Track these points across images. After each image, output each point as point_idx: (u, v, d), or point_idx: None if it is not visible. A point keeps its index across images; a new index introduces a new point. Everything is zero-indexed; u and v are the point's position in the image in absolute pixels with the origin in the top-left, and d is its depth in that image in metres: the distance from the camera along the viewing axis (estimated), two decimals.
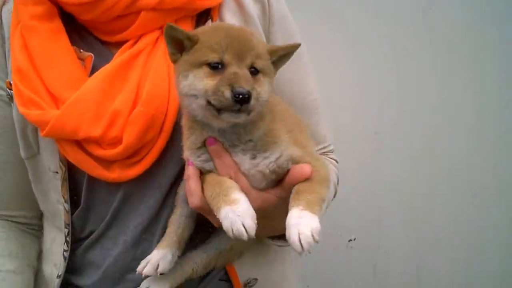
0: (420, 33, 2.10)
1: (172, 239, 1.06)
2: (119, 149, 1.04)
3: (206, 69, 0.90)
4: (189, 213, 1.07)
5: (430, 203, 2.20)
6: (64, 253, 1.16)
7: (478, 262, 2.24)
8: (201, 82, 0.90)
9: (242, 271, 1.16)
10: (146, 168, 1.07)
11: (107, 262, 1.13)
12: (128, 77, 1.07)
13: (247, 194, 0.93)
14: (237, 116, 0.88)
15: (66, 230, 1.15)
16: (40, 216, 1.29)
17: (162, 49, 1.10)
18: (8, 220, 1.26)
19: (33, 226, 1.30)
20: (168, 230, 1.08)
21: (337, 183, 1.31)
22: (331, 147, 1.32)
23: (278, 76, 1.22)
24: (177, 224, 1.07)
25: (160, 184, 1.10)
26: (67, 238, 1.15)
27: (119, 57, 1.08)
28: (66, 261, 1.16)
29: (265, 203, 0.95)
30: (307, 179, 0.92)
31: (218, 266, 1.14)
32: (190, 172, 0.98)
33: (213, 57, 0.90)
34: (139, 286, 1.07)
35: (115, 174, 1.07)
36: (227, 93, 0.85)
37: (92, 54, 1.11)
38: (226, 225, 0.85)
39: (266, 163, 0.95)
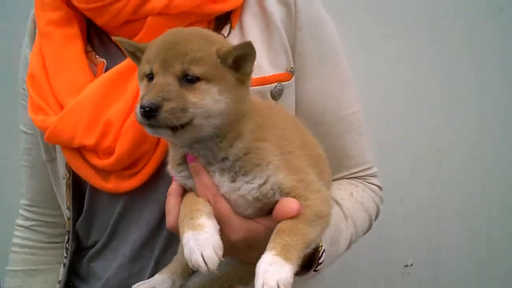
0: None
1: (176, 267, 0.99)
2: (111, 159, 1.00)
3: (145, 82, 0.84)
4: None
5: (497, 225, 1.97)
6: (64, 259, 1.16)
7: None
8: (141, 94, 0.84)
9: None
10: (143, 181, 1.03)
11: (107, 274, 1.11)
12: (128, 84, 1.03)
13: (227, 221, 0.85)
14: (154, 131, 0.80)
15: (66, 237, 1.15)
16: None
17: None
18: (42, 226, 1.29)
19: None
20: (175, 257, 1.01)
21: (376, 215, 1.18)
22: (372, 170, 1.19)
23: (309, 85, 1.12)
24: (181, 252, 0.98)
25: (159, 199, 1.05)
26: (67, 245, 1.15)
27: (120, 64, 1.06)
28: (66, 267, 1.16)
29: (250, 233, 0.86)
30: (294, 217, 0.81)
31: None
32: (172, 188, 0.92)
33: (146, 68, 0.84)
34: None
35: (111, 185, 1.04)
36: (137, 107, 0.78)
37: (104, 61, 1.10)
38: (185, 252, 0.77)
39: (247, 188, 0.84)
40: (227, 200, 0.86)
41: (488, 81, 1.91)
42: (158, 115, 0.76)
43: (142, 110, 0.76)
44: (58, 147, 1.12)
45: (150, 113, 0.76)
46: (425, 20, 1.90)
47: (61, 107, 1.06)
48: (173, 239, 1.05)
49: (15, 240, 1.31)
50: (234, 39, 1.08)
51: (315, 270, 0.95)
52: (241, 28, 1.10)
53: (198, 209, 0.83)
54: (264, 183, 0.84)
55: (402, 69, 1.92)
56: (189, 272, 1.00)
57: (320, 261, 0.94)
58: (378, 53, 1.92)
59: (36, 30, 1.18)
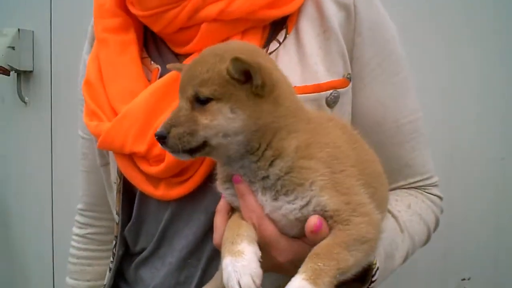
0: None
1: (217, 285, 0.96)
2: (161, 167, 1.00)
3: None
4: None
5: None
6: (110, 264, 1.18)
7: None
8: None
9: None
10: (191, 189, 1.02)
11: (154, 282, 1.10)
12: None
13: (274, 243, 0.83)
14: (175, 155, 0.85)
15: (114, 242, 1.17)
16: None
17: None
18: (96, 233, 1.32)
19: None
20: (217, 274, 0.99)
21: (435, 227, 1.14)
22: (433, 180, 1.14)
23: (367, 93, 1.08)
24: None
25: (206, 209, 1.04)
26: (114, 250, 1.17)
27: (173, 71, 1.04)
28: (112, 272, 1.17)
29: (298, 255, 0.82)
30: (331, 237, 0.79)
31: None
32: (220, 205, 0.91)
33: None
34: None
35: (160, 192, 1.04)
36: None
37: (159, 67, 1.09)
38: (223, 277, 0.76)
39: (289, 208, 0.82)
40: (272, 220, 0.84)
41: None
42: (167, 141, 0.81)
43: (156, 136, 0.83)
44: (111, 152, 1.13)
45: (160, 140, 0.82)
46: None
47: (115, 113, 1.07)
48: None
49: (72, 251, 1.35)
50: (290, 45, 1.06)
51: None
52: (297, 33, 1.06)
53: (240, 234, 0.81)
54: (306, 204, 0.81)
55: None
56: None
57: (373, 279, 0.91)
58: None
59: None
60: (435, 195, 1.14)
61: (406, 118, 1.10)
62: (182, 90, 0.84)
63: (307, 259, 0.76)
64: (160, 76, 1.08)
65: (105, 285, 1.19)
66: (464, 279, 1.93)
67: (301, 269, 0.74)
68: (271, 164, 0.82)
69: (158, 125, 0.97)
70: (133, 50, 1.11)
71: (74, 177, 1.40)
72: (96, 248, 1.33)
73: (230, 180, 0.88)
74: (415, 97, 1.13)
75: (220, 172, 0.91)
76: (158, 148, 0.99)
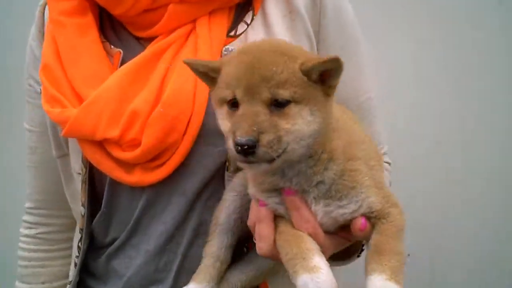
0: None
1: (210, 273, 0.96)
2: (137, 151, 0.97)
3: (226, 108, 0.79)
4: (230, 244, 0.98)
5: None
6: (76, 259, 1.12)
7: None
8: (223, 123, 0.80)
9: None
10: (169, 173, 0.99)
11: (129, 271, 1.06)
12: (151, 74, 1.00)
13: (322, 245, 0.83)
14: (251, 167, 0.76)
15: (79, 235, 1.11)
16: (70, 218, 1.26)
17: (192, 44, 1.02)
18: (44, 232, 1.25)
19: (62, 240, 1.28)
20: (206, 262, 0.98)
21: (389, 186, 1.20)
22: (384, 149, 1.20)
23: None
24: (215, 257, 0.97)
25: (186, 191, 1.02)
26: (79, 244, 1.11)
27: (143, 53, 1.02)
28: (78, 267, 1.12)
29: (336, 247, 0.88)
30: (380, 232, 0.82)
31: (252, 285, 1.03)
32: (263, 214, 0.87)
33: (227, 94, 0.78)
34: None
35: (135, 178, 1.00)
36: (230, 143, 0.74)
37: (120, 50, 1.05)
38: None
39: (340, 212, 0.83)
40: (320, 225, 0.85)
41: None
42: (257, 151, 0.72)
43: (239, 147, 0.72)
44: (72, 141, 1.08)
45: (247, 150, 0.72)
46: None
47: (80, 98, 1.02)
48: (200, 232, 1.03)
49: (21, 253, 1.26)
50: (257, 25, 1.07)
51: (358, 256, 0.99)
52: (264, 14, 1.08)
53: (309, 249, 0.80)
54: (359, 208, 0.83)
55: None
56: (222, 275, 0.98)
57: (364, 247, 0.96)
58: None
59: (45, 22, 1.13)
60: (386, 162, 1.20)
61: (364, 95, 1.14)
62: (252, 91, 0.75)
63: (375, 255, 0.79)
64: (123, 60, 1.04)
65: (70, 281, 1.13)
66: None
67: (376, 267, 0.77)
68: (326, 168, 0.81)
69: (134, 108, 0.95)
70: (93, 33, 1.06)
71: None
72: (49, 248, 1.25)
73: (274, 189, 0.85)
74: (372, 76, 1.18)
75: (258, 179, 0.87)
76: (133, 132, 0.96)
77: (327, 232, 0.86)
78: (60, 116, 1.00)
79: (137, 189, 1.03)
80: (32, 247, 1.25)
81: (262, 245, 0.86)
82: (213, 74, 0.83)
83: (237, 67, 0.77)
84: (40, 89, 1.11)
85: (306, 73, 0.76)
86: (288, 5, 1.07)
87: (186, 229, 1.03)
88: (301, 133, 0.76)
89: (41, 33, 1.14)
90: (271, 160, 0.75)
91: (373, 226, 0.84)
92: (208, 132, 0.99)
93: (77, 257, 1.11)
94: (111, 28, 1.10)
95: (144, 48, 1.06)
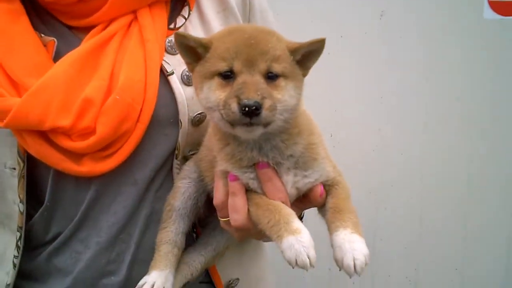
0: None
1: (170, 260, 0.99)
2: (91, 140, 0.95)
3: (217, 80, 0.84)
4: (185, 230, 1.02)
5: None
6: (14, 259, 1.05)
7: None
8: (213, 94, 0.84)
9: (223, 271, 1.11)
10: (120, 162, 0.99)
11: (77, 267, 1.03)
12: (99, 63, 0.99)
13: None
14: (249, 130, 0.82)
15: (18, 234, 1.04)
16: None
17: (136, 34, 1.03)
18: None
19: None
20: (164, 249, 1.00)
21: None
22: None
23: None
24: (173, 243, 1.01)
25: (136, 180, 1.02)
26: (18, 243, 1.05)
27: (89, 41, 1.00)
28: (16, 268, 1.05)
29: None
30: (335, 196, 0.92)
31: (208, 267, 1.08)
32: (236, 188, 0.91)
33: (223, 66, 0.84)
34: None
35: (85, 168, 0.98)
36: (234, 106, 0.79)
37: (54, 39, 1.02)
38: (289, 255, 0.81)
39: (305, 182, 0.92)
40: None
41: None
42: (261, 114, 0.78)
43: (246, 109, 0.77)
44: (1, 134, 1.01)
45: (254, 112, 0.77)
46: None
47: (17, 87, 0.97)
48: (153, 221, 1.04)
49: None
50: (195, 20, 1.11)
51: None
52: (199, 10, 1.13)
53: (289, 213, 0.86)
54: (319, 177, 0.91)
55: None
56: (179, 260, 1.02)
57: (302, 220, 1.06)
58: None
59: None
60: None
61: None
62: (252, 62, 0.82)
63: (335, 214, 0.88)
64: (57, 49, 1.01)
65: (8, 284, 1.06)
66: None
67: (339, 224, 0.86)
68: (295, 142, 0.89)
69: (86, 96, 0.94)
70: (25, 20, 1.02)
71: None
72: None
73: (248, 165, 0.90)
74: None
75: (227, 153, 0.91)
76: (86, 120, 0.94)
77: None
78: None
79: (83, 181, 1.01)
80: None
81: (237, 217, 0.91)
82: (201, 50, 0.86)
83: (234, 42, 0.83)
84: None
85: (292, 52, 0.84)
86: (222, 3, 1.14)
87: (138, 219, 1.04)
88: (288, 104, 0.84)
89: None
90: (266, 124, 0.81)
91: (327, 192, 0.93)
92: (158, 121, 1.01)
93: (15, 257, 1.04)
94: (36, 16, 1.06)
95: (77, 37, 1.04)
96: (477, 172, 2.22)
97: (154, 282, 0.96)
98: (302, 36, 0.94)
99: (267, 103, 0.79)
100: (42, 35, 1.03)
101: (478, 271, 2.27)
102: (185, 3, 1.11)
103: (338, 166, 0.99)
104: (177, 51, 1.00)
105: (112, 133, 0.95)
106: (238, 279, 1.14)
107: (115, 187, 1.02)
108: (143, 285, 0.96)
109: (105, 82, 0.97)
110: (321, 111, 2.02)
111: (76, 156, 0.98)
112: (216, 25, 1.12)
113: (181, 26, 1.09)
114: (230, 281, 1.12)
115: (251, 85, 0.79)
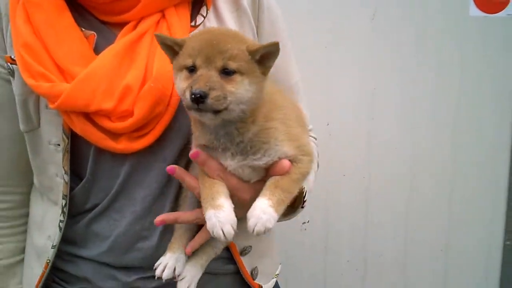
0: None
1: (183, 242, 1.16)
2: (129, 122, 1.09)
3: (185, 73, 0.99)
4: None
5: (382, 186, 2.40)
6: (60, 223, 1.19)
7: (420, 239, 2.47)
8: (180, 84, 0.99)
9: (238, 241, 1.27)
10: (152, 141, 1.13)
11: (114, 233, 1.17)
12: (136, 55, 1.13)
13: (239, 187, 1.06)
14: (201, 115, 0.96)
15: (64, 202, 1.18)
16: (25, 194, 1.33)
17: (165, 31, 1.17)
18: None
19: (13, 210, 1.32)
20: (178, 233, 1.17)
21: (318, 157, 1.43)
22: (311, 126, 1.43)
23: None
24: (185, 227, 1.17)
25: (166, 158, 1.16)
26: (64, 209, 1.19)
27: (126, 36, 1.14)
28: (62, 231, 1.19)
29: (257, 192, 1.04)
30: (287, 173, 1.04)
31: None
32: (204, 156, 1.07)
33: (188, 62, 0.98)
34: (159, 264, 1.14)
35: (122, 146, 1.12)
36: (187, 93, 0.94)
37: (94, 33, 1.16)
38: (208, 226, 0.97)
39: (255, 164, 1.05)
40: (236, 174, 1.06)
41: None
42: (206, 101, 0.92)
43: (193, 96, 0.92)
44: (47, 114, 1.15)
45: (199, 99, 0.92)
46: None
47: (64, 74, 1.10)
48: (181, 192, 1.18)
49: None
50: (212, 18, 1.25)
51: (302, 207, 1.19)
52: (216, 9, 1.26)
53: (218, 191, 1.02)
54: (272, 158, 1.04)
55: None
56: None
57: (305, 199, 1.18)
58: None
59: (1, 3, 1.18)
60: (313, 137, 1.45)
61: (293, 79, 1.38)
62: (209, 60, 0.96)
63: (270, 188, 1.01)
64: (96, 43, 1.15)
65: (54, 246, 1.20)
66: (304, 223, 2.38)
67: (266, 195, 0.99)
68: (248, 129, 1.03)
69: (126, 83, 1.09)
70: (68, 14, 1.15)
71: None
72: (3, 225, 1.30)
73: (206, 147, 1.07)
74: (295, 64, 1.42)
75: (195, 138, 1.08)
76: (125, 104, 1.09)
77: (248, 180, 1.08)
78: (51, 90, 1.07)
79: (120, 157, 1.15)
80: None
81: (194, 190, 1.11)
82: (177, 48, 1.02)
83: (199, 42, 0.99)
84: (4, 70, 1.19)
85: (251, 53, 0.98)
86: (235, 3, 1.27)
87: (169, 192, 1.18)
88: (240, 96, 0.97)
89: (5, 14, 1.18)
90: (216, 112, 0.96)
91: None
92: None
93: (61, 221, 1.18)
94: (75, 12, 1.18)
95: (112, 32, 1.18)
96: (463, 156, 2.39)
97: (167, 263, 1.12)
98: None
99: (213, 94, 0.93)
100: (83, 29, 1.16)
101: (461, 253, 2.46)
102: (203, 3, 1.25)
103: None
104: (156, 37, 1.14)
105: (147, 116, 1.09)
106: (251, 246, 1.29)
107: (147, 163, 1.16)
108: (158, 265, 1.13)
109: (142, 72, 1.11)
110: (318, 102, 2.21)
111: (115, 135, 1.12)
112: (231, 23, 1.25)
113: (200, 23, 1.22)
114: (244, 248, 1.28)
115: (203, 78, 0.95)
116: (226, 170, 1.05)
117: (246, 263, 1.29)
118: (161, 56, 1.12)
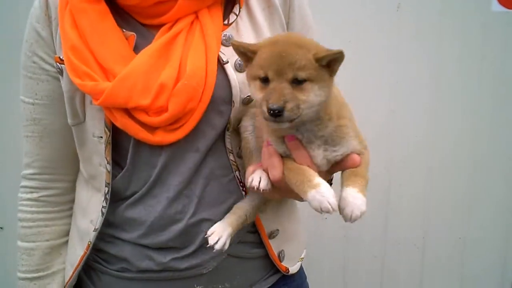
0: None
1: (237, 221, 1.27)
2: (164, 116, 1.19)
3: (258, 83, 1.10)
4: (257, 204, 1.30)
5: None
6: (103, 209, 1.30)
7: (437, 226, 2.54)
8: (255, 93, 1.11)
9: (266, 224, 1.37)
10: (186, 133, 1.22)
11: (151, 217, 1.27)
12: (170, 55, 1.22)
13: None
14: (278, 125, 1.08)
15: (106, 189, 1.29)
16: (72, 182, 1.44)
17: (199, 31, 1.25)
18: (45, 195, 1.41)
19: (63, 196, 1.44)
20: (237, 212, 1.28)
21: None
22: None
23: None
24: (244, 211, 1.28)
25: (198, 148, 1.26)
26: (107, 196, 1.29)
27: (162, 37, 1.23)
28: (104, 216, 1.30)
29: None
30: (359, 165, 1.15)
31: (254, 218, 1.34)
32: (272, 151, 1.18)
33: (260, 73, 1.08)
34: (206, 236, 1.24)
35: (158, 138, 1.22)
36: (264, 108, 1.05)
37: (134, 34, 1.25)
38: (314, 204, 1.06)
39: (334, 155, 1.17)
40: (317, 165, 1.17)
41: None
42: (283, 114, 1.03)
43: (271, 111, 1.03)
44: (92, 109, 1.26)
45: (277, 113, 1.03)
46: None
47: (106, 73, 1.21)
48: (210, 179, 1.29)
49: (22, 215, 1.40)
50: (244, 16, 1.33)
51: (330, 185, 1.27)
52: (248, 7, 1.34)
53: (312, 174, 1.11)
54: (346, 151, 1.17)
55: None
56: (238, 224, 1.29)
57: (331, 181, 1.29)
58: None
59: (49, 6, 1.28)
60: None
61: None
62: (280, 72, 1.05)
63: (351, 176, 1.13)
64: (136, 43, 1.25)
65: (96, 229, 1.31)
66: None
67: (350, 183, 1.11)
68: (326, 126, 1.15)
69: (162, 81, 1.19)
70: (110, 18, 1.25)
71: None
72: (51, 210, 1.42)
73: (282, 140, 1.18)
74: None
75: (274, 132, 1.18)
76: (161, 100, 1.19)
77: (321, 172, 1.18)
78: (94, 88, 1.18)
79: (156, 149, 1.25)
80: (34, 209, 1.39)
81: (274, 172, 1.17)
82: (250, 55, 1.12)
83: (270, 54, 1.08)
84: (46, 66, 1.30)
85: (318, 60, 1.07)
86: (267, 1, 1.35)
87: (198, 178, 1.28)
88: (313, 102, 1.07)
89: (47, 16, 1.29)
90: (291, 120, 1.07)
91: None
92: (216, 101, 1.24)
93: (104, 207, 1.30)
94: (119, 16, 1.28)
95: (151, 33, 1.27)
96: (484, 148, 2.45)
97: (221, 236, 1.23)
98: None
99: (289, 106, 1.03)
100: (124, 30, 1.25)
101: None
102: (236, 2, 1.33)
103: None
104: (230, 44, 1.23)
105: (181, 111, 1.19)
106: (278, 230, 1.39)
107: (181, 154, 1.26)
108: (212, 233, 1.23)
109: (175, 70, 1.20)
110: (343, 93, 2.29)
111: (151, 128, 1.21)
112: (261, 20, 1.33)
113: (233, 22, 1.30)
114: (272, 231, 1.38)
115: (277, 92, 1.04)
116: (312, 160, 1.17)
117: (274, 246, 1.39)
118: (194, 55, 1.22)
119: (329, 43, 1.13)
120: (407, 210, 2.52)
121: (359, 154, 1.18)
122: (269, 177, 1.20)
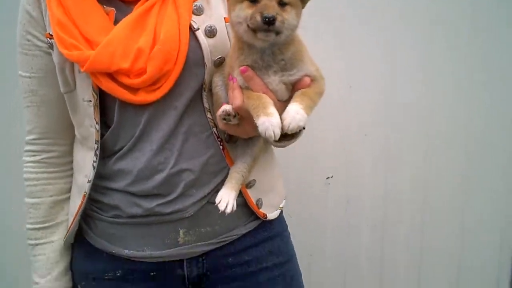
0: None
1: (237, 183, 1.45)
2: (143, 78, 1.35)
3: (246, 3, 1.26)
4: (249, 163, 1.48)
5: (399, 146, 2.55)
6: (94, 163, 1.47)
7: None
8: (243, 12, 1.26)
9: None
10: (164, 93, 1.38)
11: (137, 167, 1.44)
12: (146, 24, 1.38)
13: (275, 103, 1.30)
14: (267, 35, 1.22)
15: (96, 146, 1.45)
16: (69, 145, 1.62)
17: (171, 3, 1.41)
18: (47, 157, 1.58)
19: (63, 158, 1.62)
20: (235, 176, 1.46)
21: None
22: None
23: None
24: (240, 173, 1.46)
25: (177, 107, 1.42)
26: (97, 152, 1.46)
27: (137, 9, 1.40)
28: (95, 169, 1.47)
29: (283, 108, 1.29)
30: (310, 86, 1.30)
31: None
32: (235, 85, 1.35)
33: None
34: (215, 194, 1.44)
35: (140, 98, 1.38)
36: (258, 18, 1.21)
37: (114, 9, 1.42)
38: (261, 129, 1.22)
39: (290, 79, 1.33)
40: (274, 92, 1.33)
41: None
42: (275, 23, 1.20)
43: (266, 19, 1.19)
44: (80, 77, 1.42)
45: (271, 22, 1.19)
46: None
47: (90, 43, 1.37)
48: (189, 134, 1.45)
49: (29, 176, 1.58)
50: None
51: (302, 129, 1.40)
52: None
53: (267, 102, 1.27)
54: (304, 73, 1.32)
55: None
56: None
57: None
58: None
59: None
60: None
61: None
62: None
63: (299, 95, 1.28)
64: (116, 17, 1.41)
65: (89, 180, 1.48)
66: (328, 178, 2.59)
67: (297, 100, 1.27)
68: (287, 50, 1.31)
69: (139, 47, 1.35)
70: None
71: None
72: (53, 170, 1.60)
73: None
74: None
75: (240, 61, 1.33)
76: (139, 64, 1.35)
77: (280, 99, 1.34)
78: (80, 57, 1.34)
79: (139, 108, 1.41)
80: (37, 170, 1.57)
81: (236, 101, 1.33)
82: None
83: None
84: (39, 43, 1.47)
85: None
86: None
87: (178, 134, 1.44)
88: (292, 24, 1.25)
89: None
90: (277, 33, 1.22)
91: None
92: (190, 63, 1.40)
93: (94, 162, 1.47)
94: None
95: (129, 7, 1.43)
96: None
97: (228, 200, 1.40)
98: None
99: (279, 18, 1.20)
100: (105, 6, 1.42)
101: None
102: None
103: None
104: (201, 13, 1.40)
105: (158, 72, 1.34)
106: (254, 180, 1.54)
107: (161, 112, 1.42)
108: (220, 200, 1.40)
109: (151, 37, 1.36)
110: (341, 66, 2.42)
111: (133, 89, 1.37)
112: None
113: None
114: (249, 181, 1.53)
115: (271, 6, 1.21)
116: (268, 88, 1.33)
117: (252, 194, 1.54)
118: (167, 24, 1.38)
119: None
120: (405, 186, 2.61)
121: (313, 80, 1.33)
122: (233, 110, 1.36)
